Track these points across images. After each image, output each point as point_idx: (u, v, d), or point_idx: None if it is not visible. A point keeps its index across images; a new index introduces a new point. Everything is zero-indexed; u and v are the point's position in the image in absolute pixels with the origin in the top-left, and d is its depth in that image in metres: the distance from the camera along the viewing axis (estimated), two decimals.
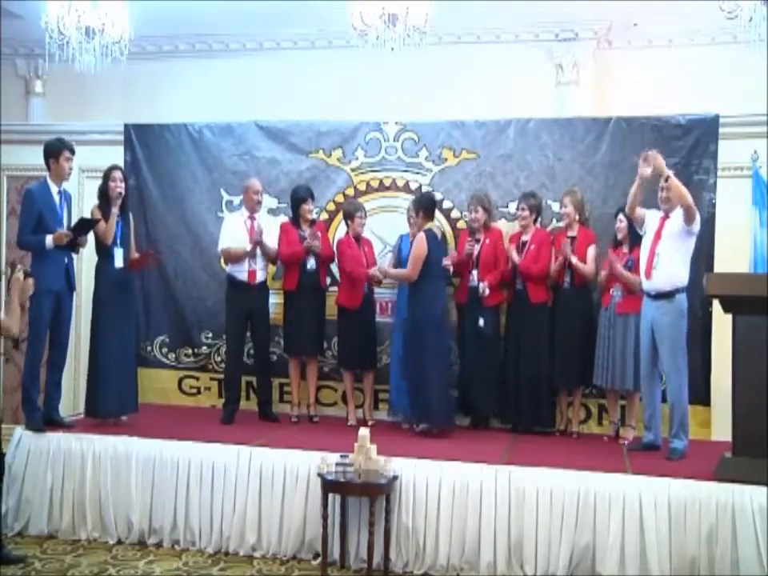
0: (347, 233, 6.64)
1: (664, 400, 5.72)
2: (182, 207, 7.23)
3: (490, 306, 6.32)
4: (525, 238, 6.36)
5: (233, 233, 6.45)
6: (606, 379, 6.01)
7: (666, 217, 5.60)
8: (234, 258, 6.42)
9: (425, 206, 6.13)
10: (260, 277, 6.44)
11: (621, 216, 6.04)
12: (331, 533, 5.13)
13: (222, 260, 6.72)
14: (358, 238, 6.57)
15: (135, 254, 6.20)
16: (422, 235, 6.01)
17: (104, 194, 6.03)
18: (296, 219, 6.57)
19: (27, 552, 5.24)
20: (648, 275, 5.57)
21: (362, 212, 6.55)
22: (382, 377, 6.73)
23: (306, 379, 6.71)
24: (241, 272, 6.40)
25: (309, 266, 6.48)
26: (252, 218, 6.51)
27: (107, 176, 6.05)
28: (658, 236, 5.55)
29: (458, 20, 7.05)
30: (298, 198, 6.53)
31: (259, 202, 6.54)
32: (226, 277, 6.55)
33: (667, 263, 5.48)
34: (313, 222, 6.61)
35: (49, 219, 5.83)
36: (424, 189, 6.81)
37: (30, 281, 4.92)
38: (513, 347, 6.33)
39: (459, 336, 6.48)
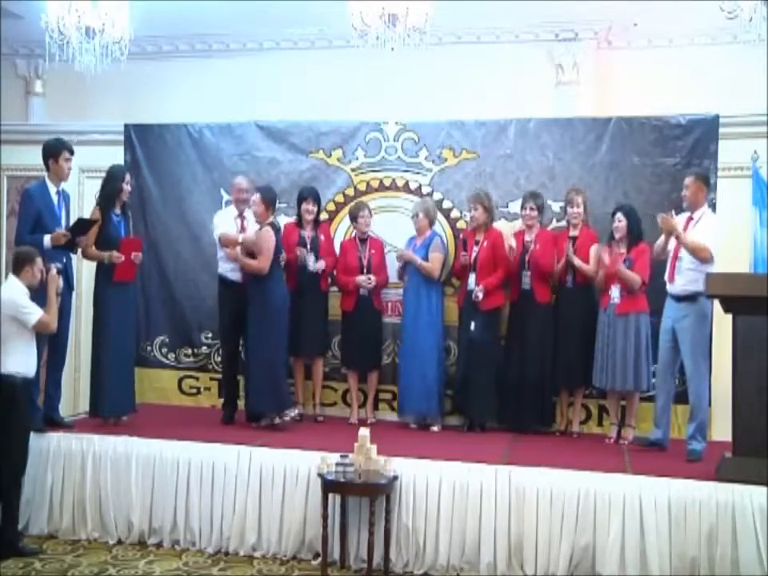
0: (354, 235, 6.68)
1: (676, 401, 5.74)
2: (182, 207, 7.25)
3: (487, 310, 6.30)
4: (528, 237, 6.35)
5: (222, 231, 6.46)
6: (606, 380, 6.00)
7: (690, 218, 5.61)
8: (229, 243, 6.39)
9: (272, 199, 6.17)
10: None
11: (620, 215, 6.04)
12: (331, 533, 5.13)
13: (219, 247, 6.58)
14: (365, 239, 6.60)
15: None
16: (268, 229, 6.06)
17: (110, 196, 6.02)
18: (298, 219, 6.60)
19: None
20: (671, 279, 5.58)
21: (365, 211, 6.58)
22: (383, 377, 6.75)
23: (312, 379, 6.72)
24: (233, 271, 6.40)
25: (311, 268, 6.49)
26: (242, 216, 6.54)
27: (122, 179, 6.05)
28: (676, 235, 5.53)
29: (458, 20, 7.03)
30: (298, 196, 6.62)
31: (242, 200, 6.54)
32: (218, 277, 6.54)
33: (690, 266, 5.48)
34: (317, 223, 6.63)
35: (47, 219, 5.84)
36: (424, 189, 6.82)
37: (60, 276, 5.39)
38: (517, 347, 6.31)
39: (458, 338, 6.49)
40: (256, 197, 6.12)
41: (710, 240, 5.45)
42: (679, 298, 5.56)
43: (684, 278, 5.51)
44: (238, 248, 6.22)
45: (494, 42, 7.48)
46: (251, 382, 6.08)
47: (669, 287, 5.65)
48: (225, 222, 6.54)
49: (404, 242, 6.59)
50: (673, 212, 5.63)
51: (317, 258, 6.52)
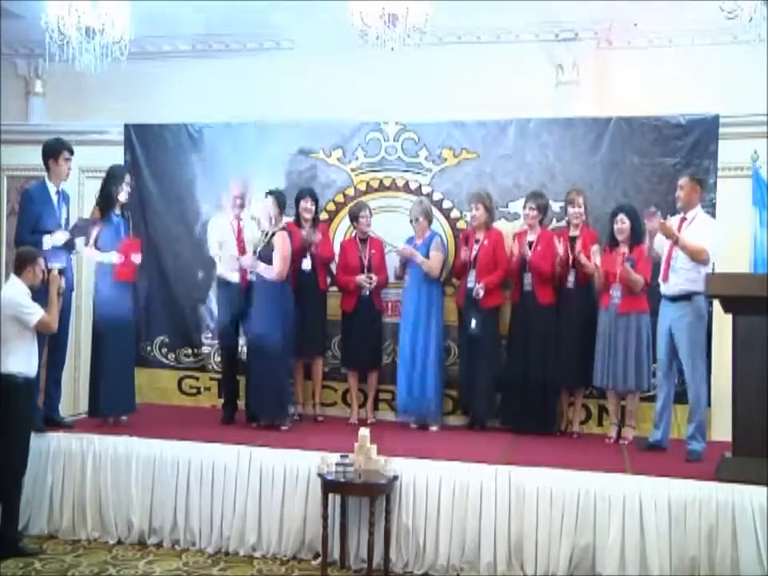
0: (354, 235, 6.68)
1: (675, 401, 5.75)
2: (182, 207, 7.25)
3: (486, 308, 6.30)
4: (530, 237, 6.35)
5: (218, 236, 6.48)
6: (606, 380, 6.00)
7: (684, 219, 5.61)
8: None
9: (285, 202, 6.20)
10: (251, 278, 6.41)
11: (622, 216, 6.03)
12: (331, 533, 5.13)
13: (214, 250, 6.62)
14: (365, 239, 6.59)
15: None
16: (284, 234, 6.06)
17: (110, 196, 6.01)
18: (297, 219, 6.61)
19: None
20: (665, 278, 5.57)
21: (366, 211, 6.59)
22: (383, 377, 6.74)
23: (312, 379, 6.72)
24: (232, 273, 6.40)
25: (305, 267, 6.50)
26: (238, 219, 6.54)
27: (122, 179, 6.04)
28: (675, 240, 5.53)
29: (458, 20, 7.03)
30: (296, 196, 6.62)
31: (238, 205, 6.54)
32: (216, 278, 6.55)
33: (685, 266, 5.47)
34: (315, 222, 6.63)
35: (47, 219, 5.84)
36: (424, 189, 6.83)
37: (61, 277, 5.40)
38: (519, 348, 6.30)
39: (459, 337, 6.50)
40: (269, 201, 6.10)
41: (708, 242, 5.45)
42: (675, 298, 5.54)
43: (680, 278, 5.50)
44: (251, 260, 6.14)
45: (494, 42, 7.47)
46: (254, 384, 6.06)
47: (663, 287, 5.62)
48: (219, 227, 6.53)
49: (404, 243, 6.58)
50: (668, 216, 5.61)
51: (312, 260, 6.53)
